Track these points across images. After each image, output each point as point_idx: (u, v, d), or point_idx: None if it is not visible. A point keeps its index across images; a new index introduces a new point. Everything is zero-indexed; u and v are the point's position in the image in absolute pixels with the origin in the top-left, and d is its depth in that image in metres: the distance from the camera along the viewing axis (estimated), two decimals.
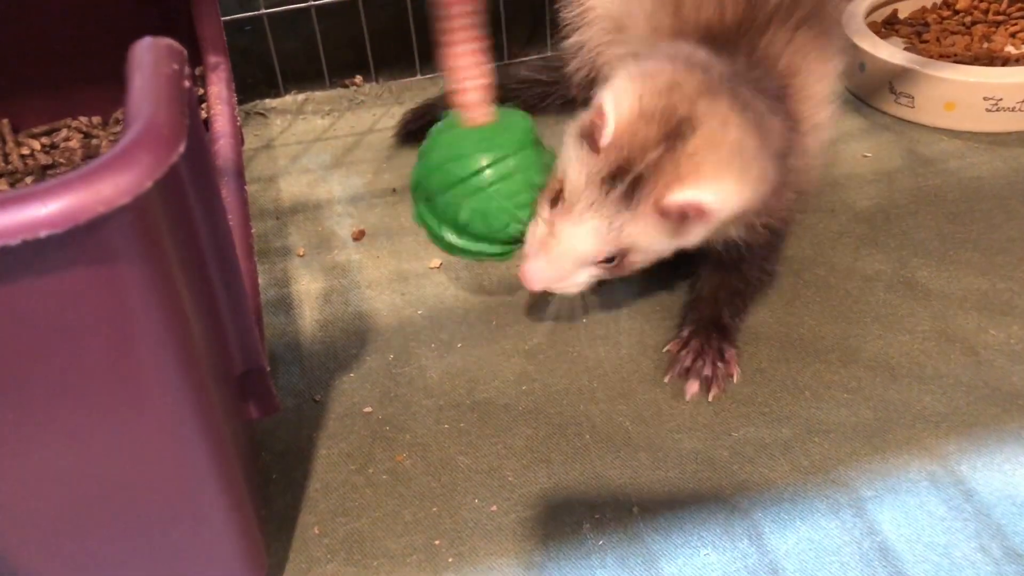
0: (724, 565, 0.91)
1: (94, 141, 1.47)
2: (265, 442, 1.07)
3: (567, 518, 0.97)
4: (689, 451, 1.02)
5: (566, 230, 0.97)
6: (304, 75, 1.65)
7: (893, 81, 1.50)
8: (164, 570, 0.84)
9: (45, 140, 1.47)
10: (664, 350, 1.14)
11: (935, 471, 0.98)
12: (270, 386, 0.92)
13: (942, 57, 1.56)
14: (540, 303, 1.21)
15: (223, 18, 1.40)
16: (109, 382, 0.67)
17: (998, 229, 1.27)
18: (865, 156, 1.45)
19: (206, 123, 1.28)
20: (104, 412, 0.69)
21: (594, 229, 0.96)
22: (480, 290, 1.24)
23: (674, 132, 0.93)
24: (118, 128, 1.49)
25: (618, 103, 0.95)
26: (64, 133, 1.48)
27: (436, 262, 1.29)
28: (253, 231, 1.10)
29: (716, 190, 0.94)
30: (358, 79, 1.67)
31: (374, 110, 1.61)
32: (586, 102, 1.10)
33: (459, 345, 1.17)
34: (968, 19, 1.69)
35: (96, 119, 1.50)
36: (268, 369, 0.90)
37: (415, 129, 1.49)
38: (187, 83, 0.63)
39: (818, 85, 1.09)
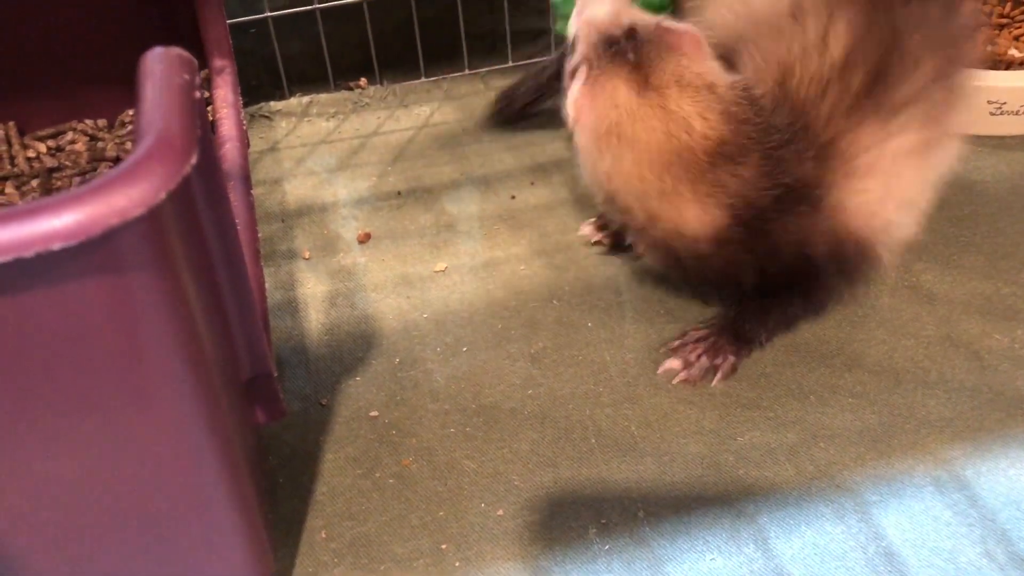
0: (730, 570, 0.91)
1: (100, 144, 1.47)
2: (272, 446, 1.07)
3: (573, 522, 0.97)
4: (695, 456, 1.02)
5: None
6: (309, 77, 1.65)
7: None
8: (172, 573, 0.84)
9: (51, 143, 1.48)
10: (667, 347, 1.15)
11: (940, 476, 0.98)
12: (277, 391, 0.92)
13: None
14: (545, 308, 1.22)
15: (228, 21, 1.40)
16: (120, 388, 0.68)
17: (1002, 233, 1.27)
18: None
19: (212, 127, 1.28)
20: (115, 418, 0.69)
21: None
22: (486, 293, 1.25)
23: None
24: (124, 131, 1.49)
25: None
26: (70, 136, 1.48)
27: (441, 265, 1.30)
28: (260, 235, 1.11)
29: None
30: (363, 82, 1.67)
31: (379, 113, 1.61)
32: None
33: (464, 349, 1.17)
34: None
35: (102, 122, 1.50)
36: (275, 375, 0.90)
37: (509, 115, 1.52)
38: (198, 93, 0.63)
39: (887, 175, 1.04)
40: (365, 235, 1.35)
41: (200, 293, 0.71)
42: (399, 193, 1.43)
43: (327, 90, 1.66)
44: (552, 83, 1.44)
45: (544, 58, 1.58)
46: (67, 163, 1.44)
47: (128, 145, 1.48)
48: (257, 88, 1.65)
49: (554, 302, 1.23)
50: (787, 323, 1.14)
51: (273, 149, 1.55)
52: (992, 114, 1.44)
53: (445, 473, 1.03)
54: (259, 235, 1.10)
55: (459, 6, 1.61)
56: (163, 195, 0.55)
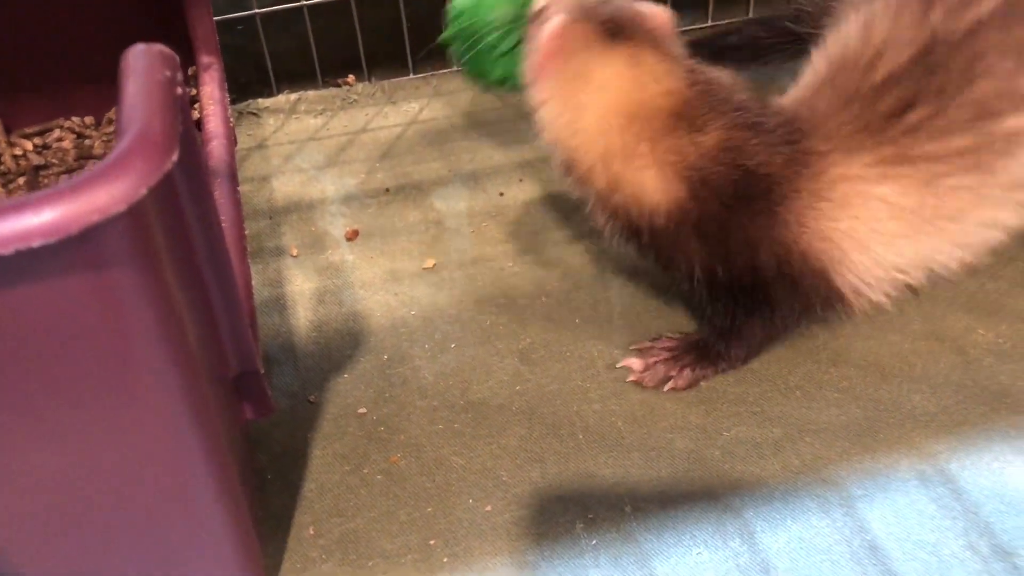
0: (716, 563, 0.92)
1: (87, 141, 1.47)
2: (260, 443, 1.07)
3: (561, 517, 0.97)
4: (681, 451, 1.03)
5: None
6: (297, 74, 1.65)
7: None
8: (161, 571, 0.84)
9: (38, 140, 1.47)
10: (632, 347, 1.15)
11: (924, 470, 0.99)
12: (265, 388, 0.92)
13: None
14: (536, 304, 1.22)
15: (215, 17, 1.39)
16: (106, 386, 0.68)
17: None
18: None
19: (198, 124, 1.28)
20: (101, 415, 0.69)
21: None
22: (474, 290, 1.25)
23: None
24: (111, 128, 1.49)
25: None
26: (57, 134, 1.48)
27: (430, 262, 1.30)
28: (247, 232, 1.11)
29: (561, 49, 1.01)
30: (351, 78, 1.67)
31: (367, 109, 1.61)
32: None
33: (452, 346, 1.17)
34: None
35: (89, 119, 1.50)
36: (262, 371, 0.90)
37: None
38: (180, 89, 0.63)
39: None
40: (353, 232, 1.35)
41: (184, 288, 0.71)
42: (387, 190, 1.43)
43: (315, 87, 1.66)
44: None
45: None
46: (54, 161, 1.44)
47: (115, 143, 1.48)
48: (245, 85, 1.64)
49: (542, 299, 1.23)
50: (749, 346, 1.10)
51: (261, 146, 1.54)
52: None
53: (433, 469, 1.03)
54: (246, 232, 1.10)
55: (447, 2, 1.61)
56: (144, 191, 0.55)
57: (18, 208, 0.52)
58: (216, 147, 1.14)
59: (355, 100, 1.64)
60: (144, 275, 0.62)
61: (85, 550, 0.79)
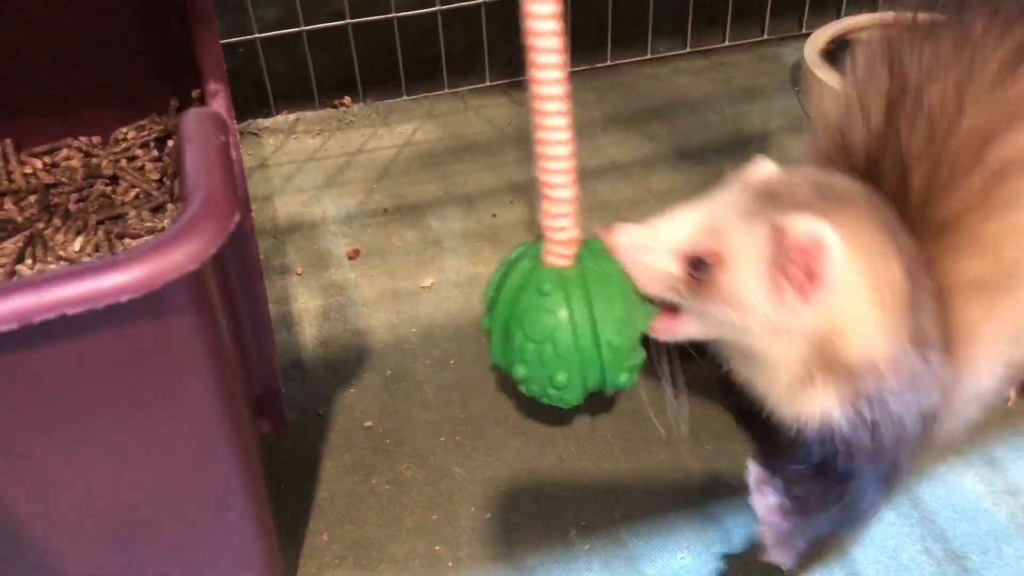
0: (698, 567, 1.01)
1: (94, 160, 1.52)
2: (273, 454, 1.15)
3: (556, 525, 1.06)
4: (666, 462, 1.12)
5: (663, 220, 0.93)
6: (294, 95, 1.72)
7: None
8: (196, 571, 0.91)
9: (47, 159, 1.52)
10: None
11: None
12: (282, 405, 1.00)
13: None
14: None
15: None
16: (158, 408, 0.75)
17: None
18: None
19: None
20: (152, 433, 0.76)
21: (692, 217, 0.90)
22: (471, 308, 1.33)
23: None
24: (117, 148, 1.54)
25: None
26: (65, 152, 1.53)
27: (428, 281, 1.38)
28: (261, 257, 1.17)
29: (843, 253, 0.83)
30: (347, 100, 1.74)
31: (363, 130, 1.69)
32: None
33: (452, 362, 1.25)
34: None
35: (96, 139, 1.55)
36: (283, 390, 0.98)
37: None
38: (235, 153, 0.70)
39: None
40: (354, 251, 1.43)
41: (227, 324, 0.78)
42: (385, 210, 1.51)
43: (312, 108, 1.72)
44: None
45: None
46: (63, 179, 1.49)
47: (122, 162, 1.53)
48: (245, 106, 1.71)
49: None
50: (818, 525, 0.95)
51: (262, 166, 1.61)
52: None
53: (437, 479, 1.11)
54: (261, 257, 1.16)
55: (440, 27, 1.68)
56: (214, 250, 0.63)
57: (106, 268, 0.60)
58: None
59: (351, 121, 1.71)
60: (200, 317, 0.70)
61: (128, 554, 0.86)
